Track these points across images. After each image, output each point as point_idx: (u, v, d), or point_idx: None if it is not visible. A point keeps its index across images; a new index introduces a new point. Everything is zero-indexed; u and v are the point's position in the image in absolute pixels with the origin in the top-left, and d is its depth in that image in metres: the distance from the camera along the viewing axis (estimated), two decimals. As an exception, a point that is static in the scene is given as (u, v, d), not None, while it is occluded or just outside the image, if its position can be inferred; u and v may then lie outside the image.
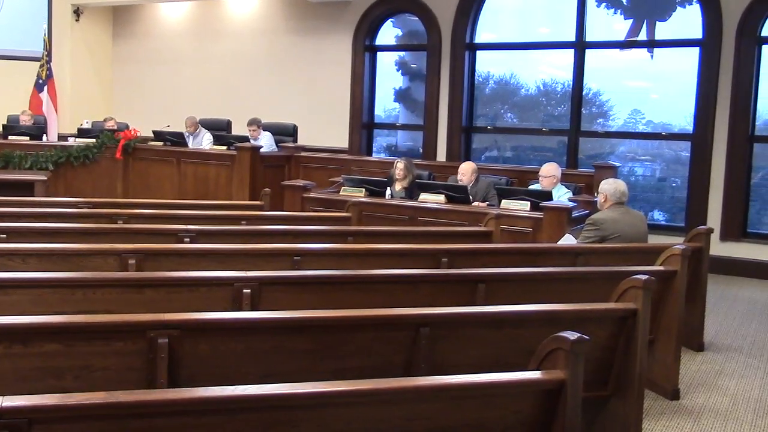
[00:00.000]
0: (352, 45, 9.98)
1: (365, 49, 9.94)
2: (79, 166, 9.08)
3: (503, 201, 6.20)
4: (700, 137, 7.95)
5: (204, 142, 9.50)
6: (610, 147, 9.11)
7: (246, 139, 9.01)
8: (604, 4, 8.68)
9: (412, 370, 2.84)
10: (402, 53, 10.37)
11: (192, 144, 9.49)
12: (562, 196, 6.45)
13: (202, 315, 2.73)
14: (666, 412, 3.96)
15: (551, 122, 9.33)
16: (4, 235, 4.45)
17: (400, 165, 7.09)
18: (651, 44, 8.45)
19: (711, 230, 5.17)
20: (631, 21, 8.56)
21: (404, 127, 10.41)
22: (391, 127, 10.56)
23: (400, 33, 10.26)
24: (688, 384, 4.37)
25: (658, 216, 8.79)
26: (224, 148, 8.80)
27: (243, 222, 5.55)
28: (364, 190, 6.78)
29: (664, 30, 8.37)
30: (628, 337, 3.17)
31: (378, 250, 4.50)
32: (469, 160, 8.13)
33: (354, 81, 10.00)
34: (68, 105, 11.36)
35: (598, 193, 5.35)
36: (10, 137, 9.28)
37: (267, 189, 6.83)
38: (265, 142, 9.11)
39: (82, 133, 9.72)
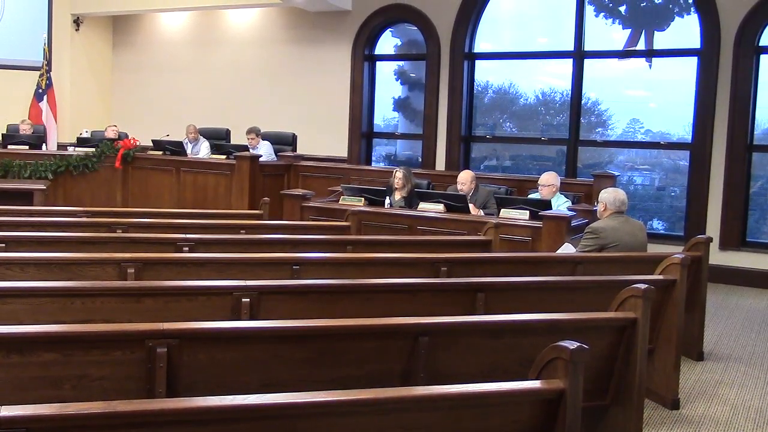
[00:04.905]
0: (351, 54, 10.00)
1: (364, 58, 9.96)
2: (79, 175, 9.09)
3: (502, 210, 6.20)
4: (698, 146, 7.96)
5: (202, 151, 9.53)
6: (609, 156, 9.12)
7: (245, 148, 9.03)
8: (602, 13, 8.71)
9: (411, 379, 2.83)
10: (401, 62, 10.40)
11: (190, 152, 9.51)
12: (561, 205, 6.45)
13: (201, 324, 2.73)
14: (666, 421, 3.95)
15: (550, 131, 9.34)
16: (3, 244, 4.44)
17: (399, 174, 7.09)
18: (649, 54, 8.48)
19: (710, 239, 5.17)
20: (629, 30, 8.60)
21: (403, 136, 10.42)
22: (390, 136, 10.58)
23: (399, 42, 10.29)
24: (688, 393, 4.36)
25: (657, 225, 8.79)
26: (223, 157, 8.81)
27: (242, 231, 5.55)
28: (363, 199, 6.78)
29: (662, 39, 8.40)
30: (627, 347, 3.17)
31: (377, 259, 4.50)
32: (468, 169, 8.14)
33: (353, 90, 10.03)
34: (68, 114, 11.39)
35: (597, 202, 5.35)
36: (9, 146, 9.30)
37: (266, 198, 6.84)
38: (264, 151, 9.12)
39: (81, 142, 9.73)
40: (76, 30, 11.56)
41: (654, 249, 5.97)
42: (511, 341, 3.00)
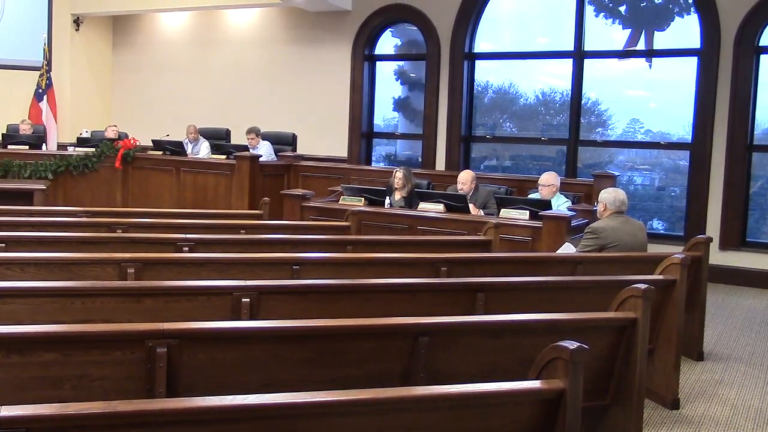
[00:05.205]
0: (351, 54, 10.00)
1: (364, 58, 9.96)
2: (79, 175, 9.09)
3: (502, 210, 6.20)
4: (698, 146, 7.96)
5: (202, 151, 9.53)
6: (609, 156, 9.12)
7: (245, 148, 9.03)
8: (602, 13, 8.71)
9: (411, 379, 2.83)
10: (401, 62, 10.39)
11: (191, 152, 9.52)
12: (561, 205, 6.45)
13: (200, 324, 2.73)
14: (666, 421, 3.95)
15: (550, 131, 9.34)
16: (3, 244, 4.44)
17: (399, 174, 7.09)
18: (649, 54, 8.48)
19: (710, 239, 5.17)
20: (629, 30, 8.59)
21: (403, 136, 10.42)
22: (390, 136, 10.58)
23: (399, 42, 10.29)
24: (688, 393, 4.36)
25: (657, 225, 8.79)
26: (223, 157, 8.81)
27: (242, 231, 5.55)
28: (363, 199, 6.78)
29: (662, 39, 8.40)
30: (627, 347, 3.17)
31: (377, 259, 4.50)
32: (468, 169, 8.14)
33: (353, 90, 10.03)
34: (68, 114, 11.39)
35: (597, 202, 5.35)
36: (9, 146, 9.30)
37: (266, 198, 6.84)
38: (264, 151, 9.12)
39: (81, 142, 9.73)
40: (76, 30, 11.56)
41: (654, 249, 5.97)
42: (511, 341, 3.00)
